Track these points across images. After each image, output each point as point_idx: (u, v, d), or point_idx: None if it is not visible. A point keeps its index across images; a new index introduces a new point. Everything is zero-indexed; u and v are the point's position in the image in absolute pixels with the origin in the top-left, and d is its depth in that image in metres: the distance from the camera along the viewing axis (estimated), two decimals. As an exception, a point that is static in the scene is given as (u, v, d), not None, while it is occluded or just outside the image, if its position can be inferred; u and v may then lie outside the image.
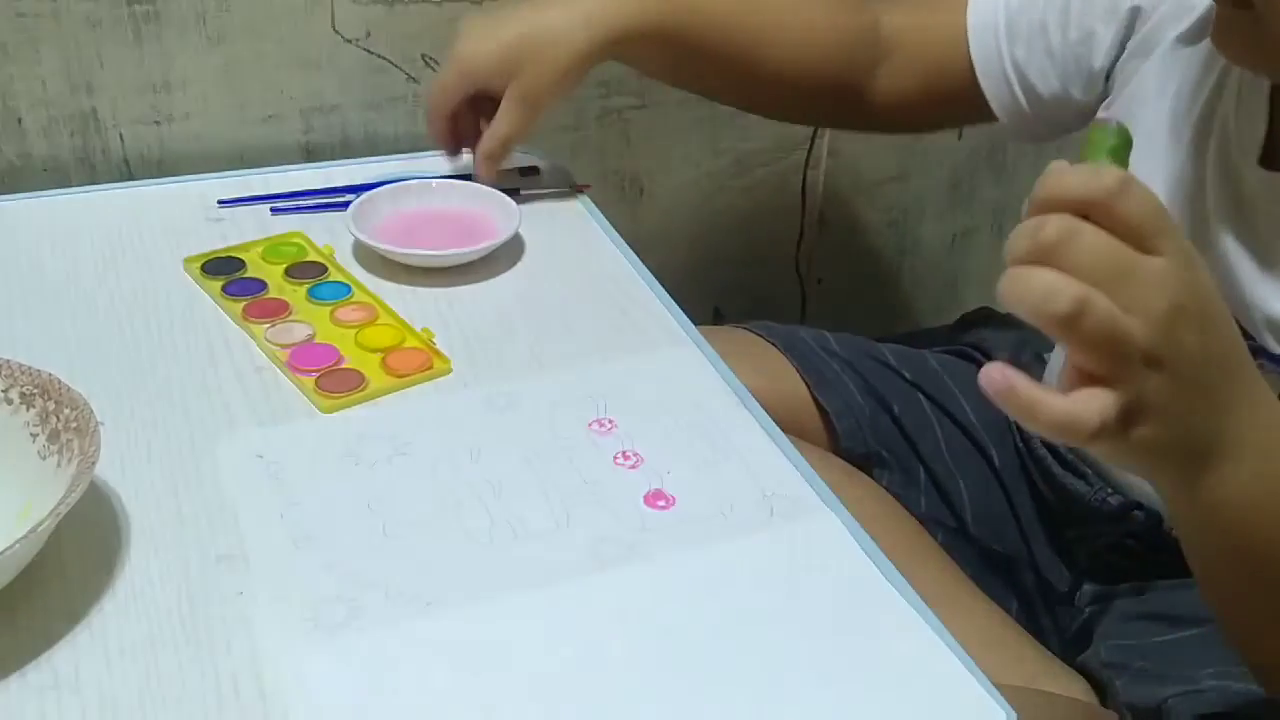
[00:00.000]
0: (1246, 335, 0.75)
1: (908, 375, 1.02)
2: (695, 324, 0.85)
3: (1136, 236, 0.52)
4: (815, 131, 1.33)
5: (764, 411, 0.76)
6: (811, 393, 0.99)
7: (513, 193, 0.98)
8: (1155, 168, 0.80)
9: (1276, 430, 0.58)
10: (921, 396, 1.01)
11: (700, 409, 0.77)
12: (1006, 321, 1.08)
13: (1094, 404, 0.51)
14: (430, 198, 0.96)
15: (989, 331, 1.08)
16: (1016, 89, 0.90)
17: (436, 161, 1.05)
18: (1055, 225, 0.51)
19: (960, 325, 1.12)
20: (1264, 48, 0.68)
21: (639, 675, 0.58)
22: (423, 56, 1.11)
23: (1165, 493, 0.60)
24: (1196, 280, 0.55)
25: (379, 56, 1.10)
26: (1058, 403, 0.51)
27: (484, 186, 0.98)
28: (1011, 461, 0.98)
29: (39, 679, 0.57)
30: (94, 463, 0.61)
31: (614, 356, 0.81)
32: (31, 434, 0.65)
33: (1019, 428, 0.96)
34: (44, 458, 0.64)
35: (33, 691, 0.56)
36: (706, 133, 1.27)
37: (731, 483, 0.71)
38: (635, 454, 0.73)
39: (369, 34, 1.08)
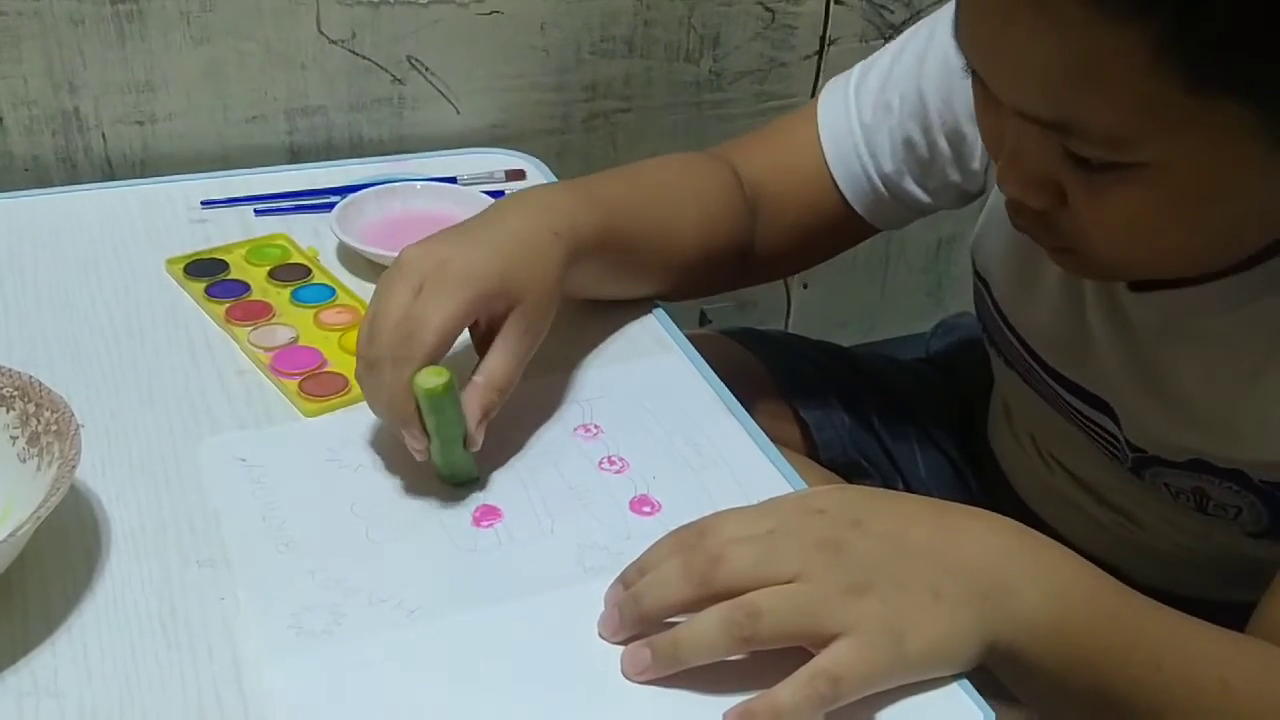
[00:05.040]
0: (1134, 448, 0.77)
1: (887, 387, 1.03)
2: (681, 329, 0.85)
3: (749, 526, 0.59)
4: (801, 136, 1.33)
5: (750, 417, 0.76)
6: (791, 404, 0.99)
7: (498, 195, 0.98)
8: (1035, 277, 0.80)
9: (1018, 539, 0.61)
10: (900, 409, 1.01)
11: (686, 414, 0.77)
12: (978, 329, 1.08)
13: (794, 685, 0.54)
14: (415, 200, 0.96)
15: (964, 342, 1.08)
16: (893, 202, 0.86)
17: (421, 164, 1.05)
18: (703, 558, 0.57)
19: (939, 331, 1.13)
20: (1094, 271, 0.69)
21: (624, 684, 0.58)
22: (408, 58, 1.11)
23: (1008, 675, 0.60)
24: (820, 502, 0.61)
25: (364, 58, 1.09)
26: (778, 699, 0.54)
27: (468, 189, 0.98)
28: (982, 481, 0.99)
29: (18, 684, 0.56)
30: (74, 466, 0.60)
31: (600, 361, 0.81)
32: (11, 437, 0.64)
33: (995, 458, 0.97)
34: (23, 461, 0.63)
35: (11, 697, 0.56)
36: (693, 136, 1.27)
37: (717, 489, 0.70)
38: (621, 459, 0.73)
39: (354, 35, 1.08)
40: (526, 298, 0.70)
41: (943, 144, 0.82)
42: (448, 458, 0.67)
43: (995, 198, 0.82)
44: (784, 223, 0.89)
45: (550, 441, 0.74)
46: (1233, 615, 0.66)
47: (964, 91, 0.80)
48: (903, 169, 0.84)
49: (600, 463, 0.72)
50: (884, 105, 0.84)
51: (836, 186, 0.86)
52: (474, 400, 0.67)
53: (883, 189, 0.85)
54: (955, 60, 0.80)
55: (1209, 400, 0.72)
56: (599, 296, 0.83)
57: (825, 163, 0.86)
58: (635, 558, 0.61)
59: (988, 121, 0.65)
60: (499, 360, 0.69)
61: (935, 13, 0.84)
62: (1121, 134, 0.57)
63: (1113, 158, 0.58)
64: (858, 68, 0.87)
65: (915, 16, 1.29)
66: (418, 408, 0.65)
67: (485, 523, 0.67)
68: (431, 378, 0.65)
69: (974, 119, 0.80)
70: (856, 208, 0.86)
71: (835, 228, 0.88)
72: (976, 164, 0.83)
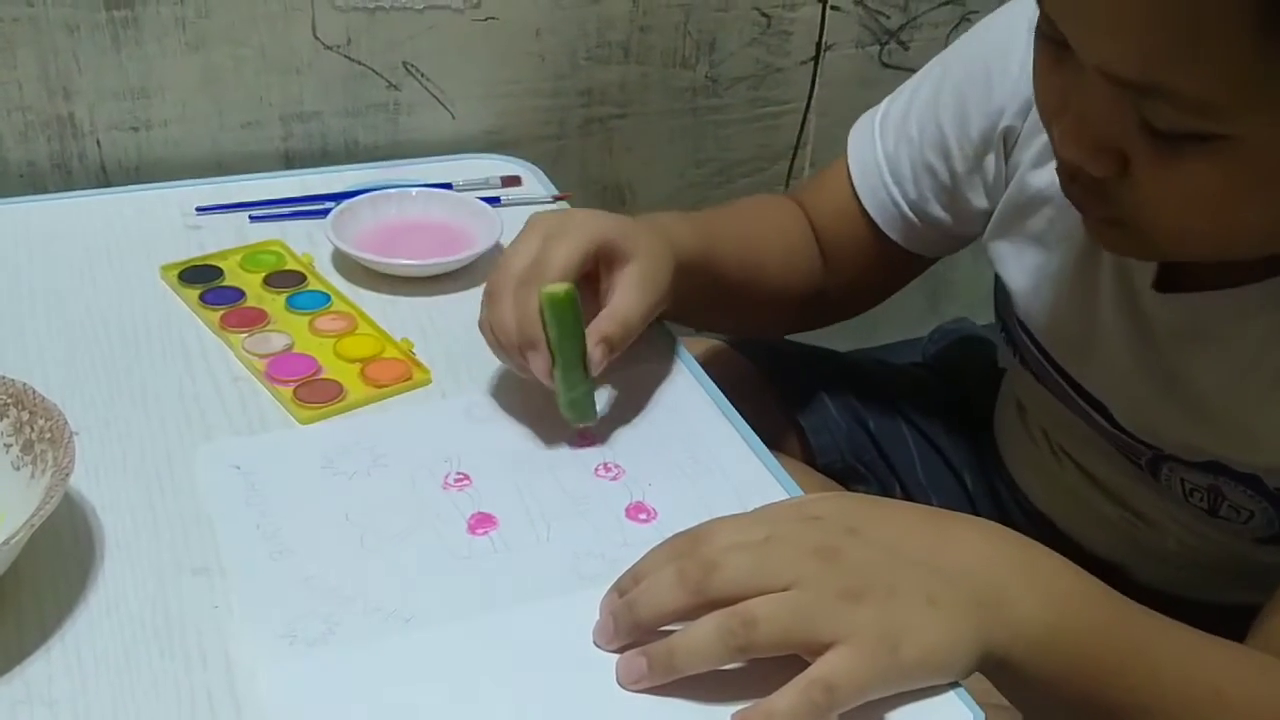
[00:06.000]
0: (1148, 445, 0.77)
1: (884, 391, 1.03)
2: (678, 336, 0.85)
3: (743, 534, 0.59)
4: (798, 141, 1.33)
5: (746, 424, 0.76)
6: (787, 410, 0.99)
7: (493, 202, 0.98)
8: (1050, 273, 0.80)
9: (1015, 546, 0.61)
10: (897, 413, 1.02)
11: (682, 421, 0.77)
12: (978, 334, 1.08)
13: (789, 694, 0.54)
14: (410, 207, 0.96)
15: (961, 346, 1.08)
16: (925, 228, 0.87)
17: (417, 170, 1.05)
18: (696, 566, 0.57)
19: (936, 336, 1.13)
20: (1142, 247, 0.67)
21: (620, 692, 0.58)
22: (404, 64, 1.10)
23: (1003, 682, 0.60)
24: (816, 509, 0.61)
25: (359, 64, 1.09)
26: (774, 707, 0.54)
27: (464, 195, 0.98)
28: (983, 484, 0.99)
29: (11, 693, 0.56)
30: (68, 474, 0.60)
31: (595, 367, 0.81)
32: (5, 445, 0.64)
33: (996, 454, 0.97)
34: (17, 469, 0.63)
35: (5, 705, 0.56)
36: (689, 142, 1.27)
37: (713, 496, 0.70)
38: (616, 466, 0.72)
39: (350, 41, 1.08)
40: (644, 253, 0.74)
41: (963, 170, 0.83)
42: (569, 379, 0.71)
43: (1008, 196, 0.82)
44: (835, 259, 0.91)
45: (546, 448, 0.74)
46: (1236, 619, 0.66)
47: (979, 118, 0.81)
48: (927, 195, 0.85)
49: (596, 469, 0.72)
50: (905, 137, 0.85)
51: (867, 214, 0.87)
52: (596, 327, 0.72)
53: (911, 215, 0.86)
54: (968, 90, 0.81)
55: (1228, 405, 0.71)
56: (684, 322, 0.87)
57: (855, 193, 0.88)
58: (631, 565, 0.61)
59: (1052, 82, 0.62)
60: (621, 298, 0.73)
61: (942, 53, 0.86)
62: (1212, 102, 0.54)
63: (1196, 127, 0.55)
64: (884, 102, 0.89)
65: (911, 21, 1.30)
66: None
67: (480, 530, 0.67)
68: (555, 287, 0.70)
69: (988, 140, 0.81)
70: (891, 235, 0.87)
71: (880, 259, 0.89)
72: (994, 180, 0.83)
